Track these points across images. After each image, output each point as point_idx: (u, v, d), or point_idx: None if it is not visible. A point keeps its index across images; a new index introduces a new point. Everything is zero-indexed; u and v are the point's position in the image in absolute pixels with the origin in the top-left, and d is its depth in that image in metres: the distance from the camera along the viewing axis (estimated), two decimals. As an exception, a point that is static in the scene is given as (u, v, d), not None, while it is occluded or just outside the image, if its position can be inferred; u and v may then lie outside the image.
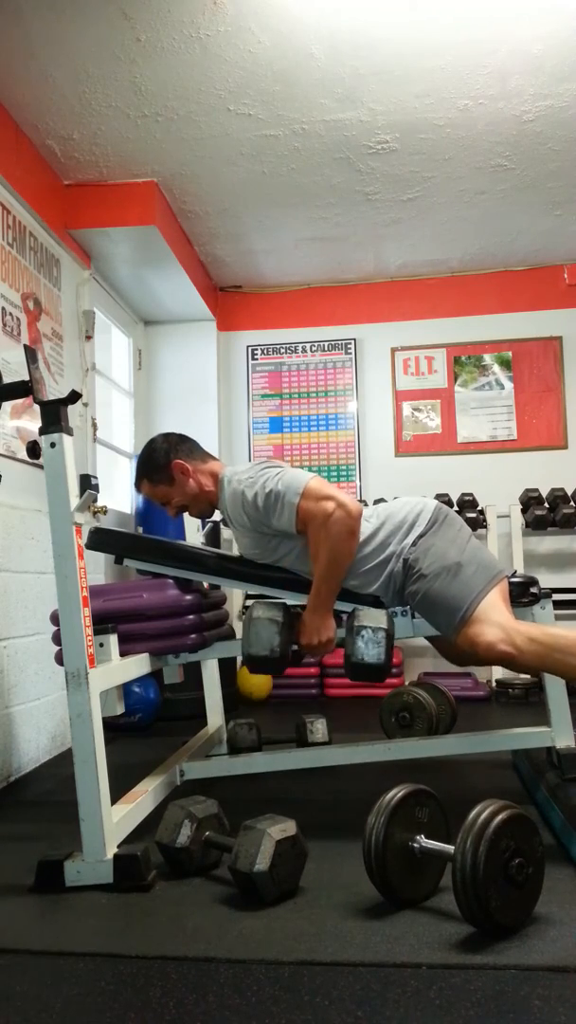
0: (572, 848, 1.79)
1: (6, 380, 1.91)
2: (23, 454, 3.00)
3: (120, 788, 2.01)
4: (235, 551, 2.48)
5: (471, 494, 4.54)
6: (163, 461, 2.30)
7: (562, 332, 4.87)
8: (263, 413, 5.13)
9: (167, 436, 2.37)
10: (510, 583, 2.23)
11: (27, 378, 1.83)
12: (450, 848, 1.48)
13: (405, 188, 3.90)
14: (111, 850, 1.73)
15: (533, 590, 2.23)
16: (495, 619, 2.01)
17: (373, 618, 2.06)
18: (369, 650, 2.02)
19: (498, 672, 4.42)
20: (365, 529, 2.21)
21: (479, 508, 4.53)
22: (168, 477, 2.30)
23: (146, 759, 2.61)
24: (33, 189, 3.37)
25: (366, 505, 4.30)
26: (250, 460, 5.09)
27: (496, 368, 4.93)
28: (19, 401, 3.00)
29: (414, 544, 2.16)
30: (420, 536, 2.17)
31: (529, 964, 1.32)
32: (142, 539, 2.80)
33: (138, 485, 2.39)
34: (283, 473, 2.15)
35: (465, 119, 3.32)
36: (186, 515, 2.99)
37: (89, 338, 3.94)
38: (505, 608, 2.06)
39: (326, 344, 5.07)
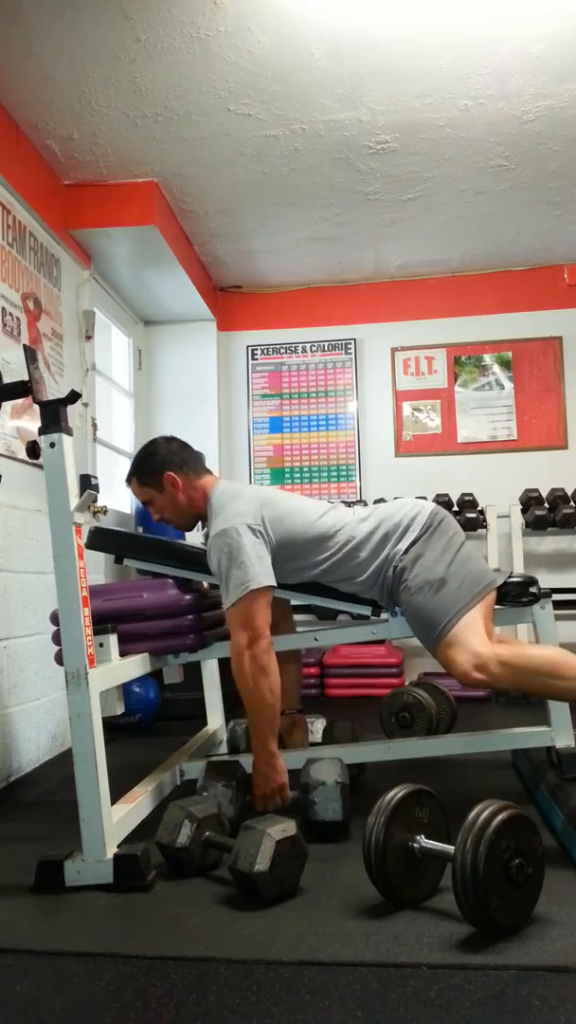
0: (572, 848, 1.79)
1: (6, 380, 1.91)
2: (23, 454, 3.00)
3: (120, 788, 2.01)
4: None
5: (471, 494, 4.54)
6: (156, 468, 2.30)
7: (562, 332, 4.87)
8: (263, 413, 5.13)
9: (169, 442, 2.37)
10: (509, 583, 2.23)
11: (27, 378, 1.83)
12: (450, 848, 1.48)
13: (405, 188, 3.90)
14: (111, 850, 1.73)
15: (533, 590, 2.23)
16: (470, 643, 2.00)
17: (326, 771, 2.03)
18: (327, 808, 1.97)
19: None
20: (362, 530, 2.21)
21: (479, 508, 4.53)
22: (158, 484, 2.31)
23: (146, 759, 2.61)
24: (33, 189, 3.37)
25: (365, 505, 4.31)
26: (250, 460, 5.10)
27: (496, 368, 4.93)
28: (19, 401, 2.99)
29: (405, 551, 2.16)
30: (412, 543, 2.16)
31: (529, 964, 1.32)
32: (142, 539, 2.80)
33: (128, 480, 2.39)
34: (235, 557, 2.10)
35: (465, 119, 3.32)
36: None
37: (89, 338, 3.94)
38: (483, 628, 2.04)
39: (326, 344, 5.07)
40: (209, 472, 2.39)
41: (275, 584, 2.14)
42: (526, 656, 2.02)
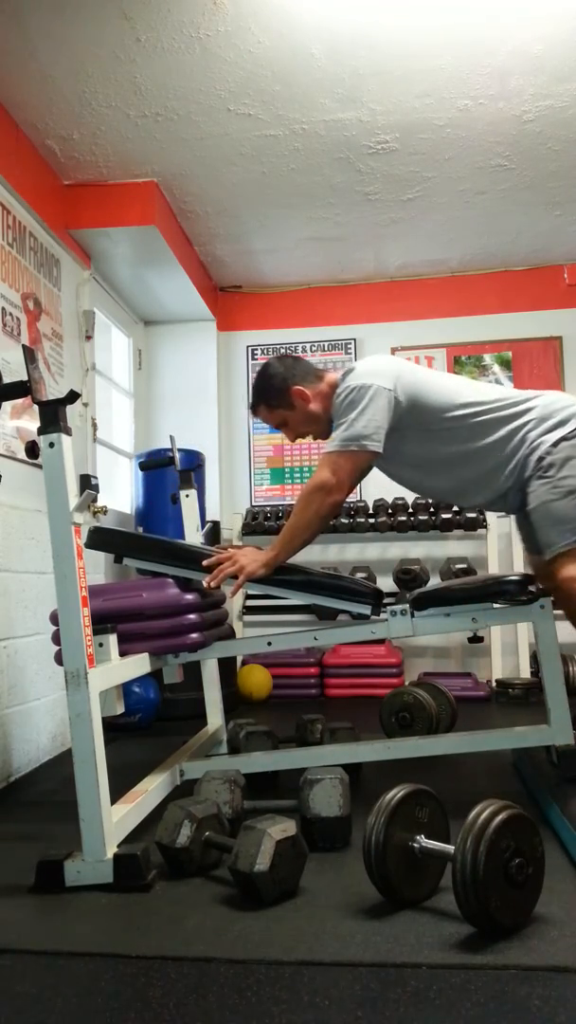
0: (572, 848, 1.79)
1: (6, 380, 1.91)
2: (23, 454, 3.00)
3: (120, 788, 2.01)
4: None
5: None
6: (281, 387, 2.31)
7: (562, 332, 4.87)
8: (263, 413, 5.12)
9: (282, 360, 2.39)
10: (509, 582, 2.23)
11: (26, 378, 1.83)
12: (450, 848, 1.48)
13: (405, 188, 3.90)
14: (111, 850, 1.73)
15: (531, 588, 2.23)
16: None
17: (326, 768, 2.00)
18: (331, 802, 1.93)
19: (498, 672, 4.43)
20: (515, 397, 2.21)
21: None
22: (287, 403, 2.32)
23: (146, 759, 2.61)
24: (33, 189, 3.37)
25: (364, 503, 4.29)
26: (250, 460, 5.10)
27: (496, 368, 4.93)
28: (19, 401, 2.99)
29: (555, 444, 2.12)
30: (563, 439, 2.12)
31: (529, 964, 1.32)
32: (142, 538, 2.80)
33: (254, 410, 2.41)
34: (362, 410, 2.13)
35: (465, 119, 3.32)
36: (184, 513, 3.00)
37: (89, 338, 3.94)
38: None
39: (326, 344, 5.07)
40: (329, 372, 2.39)
41: (381, 453, 2.17)
42: None
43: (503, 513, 2.36)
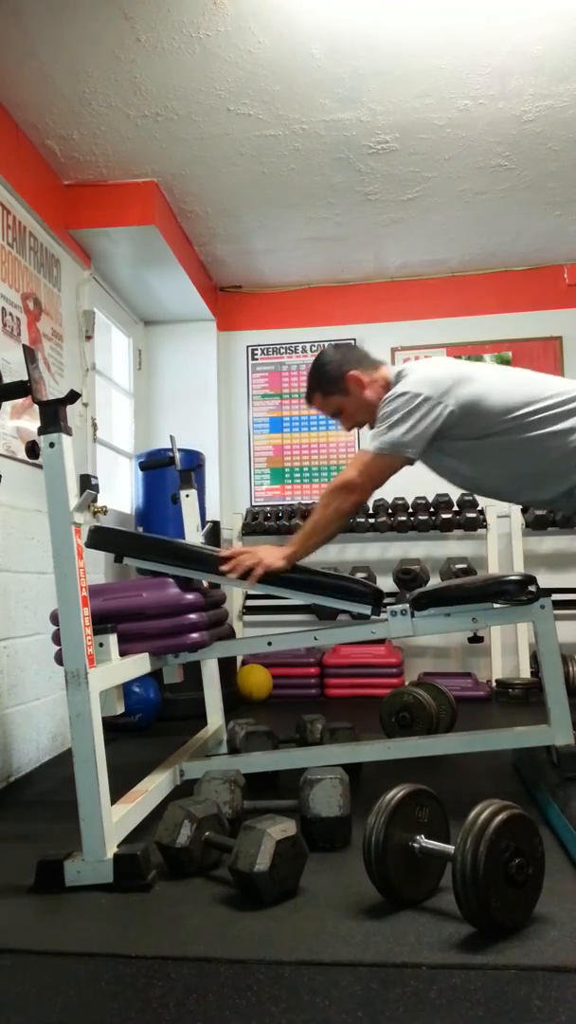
0: (572, 848, 1.79)
1: (6, 380, 1.91)
2: (23, 454, 3.00)
3: (120, 788, 2.01)
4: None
5: (471, 494, 4.54)
6: (336, 373, 2.29)
7: (562, 332, 4.87)
8: (263, 413, 5.13)
9: (337, 347, 2.38)
10: (509, 582, 2.23)
11: (26, 378, 1.83)
12: (450, 848, 1.48)
13: (405, 188, 3.90)
14: (111, 850, 1.73)
15: (531, 589, 2.23)
16: None
17: (326, 768, 2.00)
18: (331, 802, 1.93)
19: (498, 672, 4.43)
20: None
21: (479, 508, 4.53)
22: (342, 389, 2.30)
23: (146, 759, 2.61)
24: (33, 189, 3.37)
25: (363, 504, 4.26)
26: (250, 460, 5.10)
27: (496, 368, 4.93)
28: (19, 401, 2.99)
29: None
30: None
31: (529, 964, 1.32)
32: (142, 538, 2.80)
33: (310, 399, 2.39)
34: (406, 415, 2.11)
35: (465, 119, 3.32)
36: (185, 513, 3.00)
37: (89, 338, 3.94)
38: None
39: (326, 344, 5.06)
40: (383, 363, 2.37)
41: (415, 461, 2.18)
42: None
43: (563, 512, 2.28)
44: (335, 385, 2.30)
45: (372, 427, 2.28)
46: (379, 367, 2.33)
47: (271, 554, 2.23)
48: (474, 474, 2.26)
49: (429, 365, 2.27)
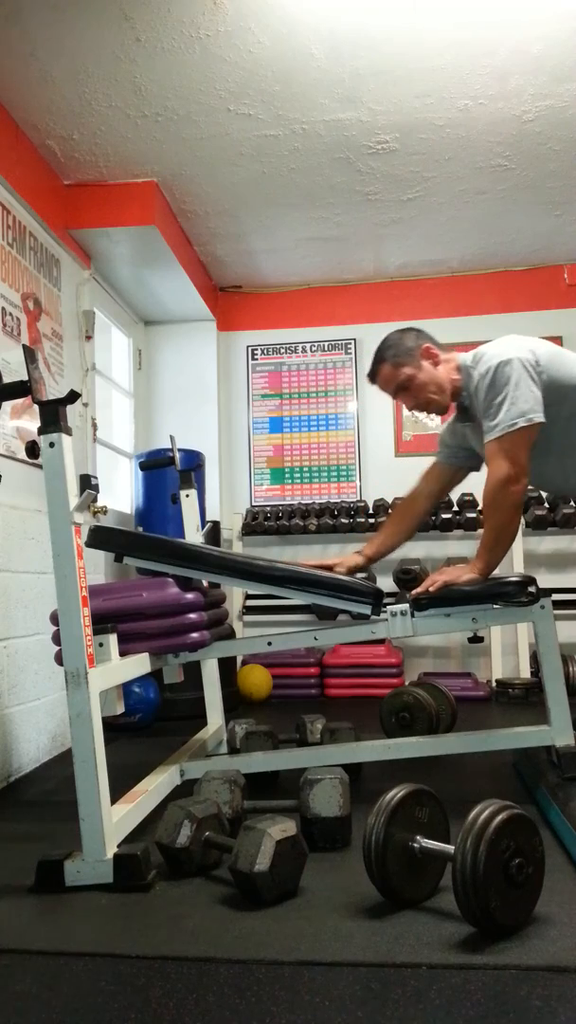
0: (572, 848, 1.79)
1: (6, 380, 1.91)
2: (23, 454, 3.00)
3: (120, 788, 2.01)
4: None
5: (471, 494, 4.54)
6: (412, 343, 2.27)
7: (562, 332, 4.86)
8: (263, 413, 5.13)
9: (410, 327, 2.35)
10: (508, 583, 2.23)
11: (26, 378, 1.83)
12: (450, 848, 1.48)
13: (405, 188, 3.90)
14: (111, 850, 1.73)
15: (531, 589, 2.23)
16: None
17: (326, 768, 2.01)
18: (331, 802, 1.93)
19: (498, 672, 4.43)
20: None
21: (479, 508, 4.53)
22: (415, 360, 2.26)
23: (146, 759, 2.61)
24: (33, 189, 3.37)
25: (364, 502, 4.27)
26: (250, 460, 5.10)
27: (496, 368, 4.92)
28: (19, 401, 2.99)
29: None
30: None
31: (529, 964, 1.32)
32: (142, 537, 2.80)
33: (374, 372, 2.33)
34: (517, 385, 2.07)
35: (465, 119, 3.32)
36: (185, 513, 3.00)
37: (89, 338, 3.94)
38: None
39: (326, 344, 5.07)
40: (452, 350, 2.35)
41: (544, 422, 2.10)
42: None
43: None
44: (409, 355, 2.27)
45: (433, 410, 2.26)
46: (450, 351, 2.32)
47: (463, 571, 2.20)
48: (535, 464, 2.20)
49: (509, 340, 2.24)
